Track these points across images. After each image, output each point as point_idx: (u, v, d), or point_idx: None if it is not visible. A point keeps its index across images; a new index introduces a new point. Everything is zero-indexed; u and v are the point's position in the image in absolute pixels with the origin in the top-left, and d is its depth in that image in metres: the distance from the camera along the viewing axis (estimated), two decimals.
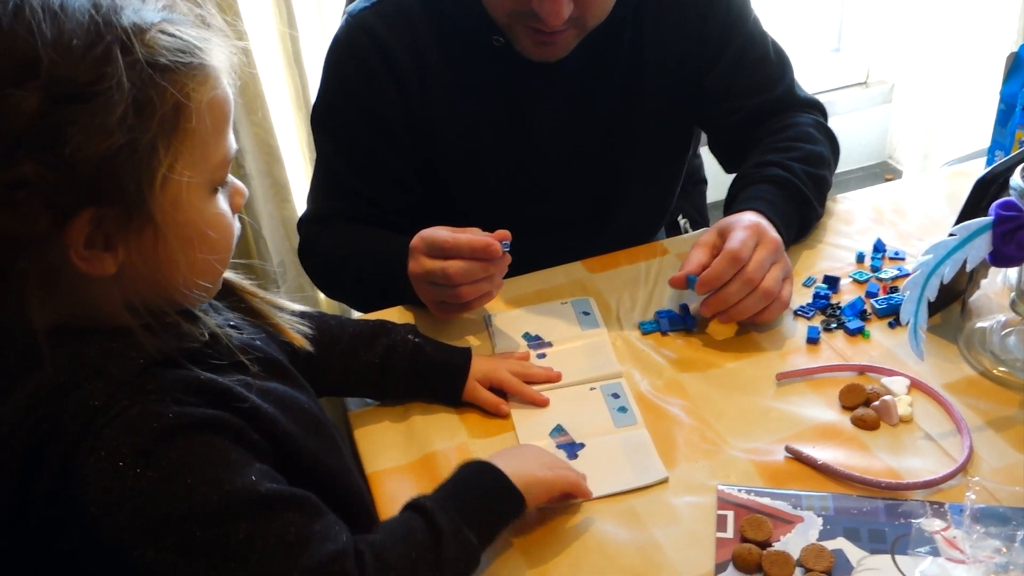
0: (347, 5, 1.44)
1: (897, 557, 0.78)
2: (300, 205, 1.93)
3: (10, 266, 0.61)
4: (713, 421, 0.94)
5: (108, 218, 0.62)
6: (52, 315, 0.64)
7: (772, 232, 1.03)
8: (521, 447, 0.89)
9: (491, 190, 1.25)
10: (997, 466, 0.87)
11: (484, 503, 0.77)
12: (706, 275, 1.00)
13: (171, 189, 0.64)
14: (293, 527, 0.65)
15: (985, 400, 0.94)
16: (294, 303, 0.87)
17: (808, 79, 2.71)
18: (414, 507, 0.75)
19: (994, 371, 0.97)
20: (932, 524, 0.80)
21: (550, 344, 1.05)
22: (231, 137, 0.70)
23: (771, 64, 1.29)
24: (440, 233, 1.00)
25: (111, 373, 0.63)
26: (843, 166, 3.05)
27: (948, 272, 0.88)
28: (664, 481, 0.87)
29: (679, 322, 1.07)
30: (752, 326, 1.05)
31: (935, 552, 0.78)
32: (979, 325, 1.02)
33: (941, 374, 0.98)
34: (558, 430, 0.94)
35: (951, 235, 0.89)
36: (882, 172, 2.97)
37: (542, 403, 0.97)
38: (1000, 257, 0.88)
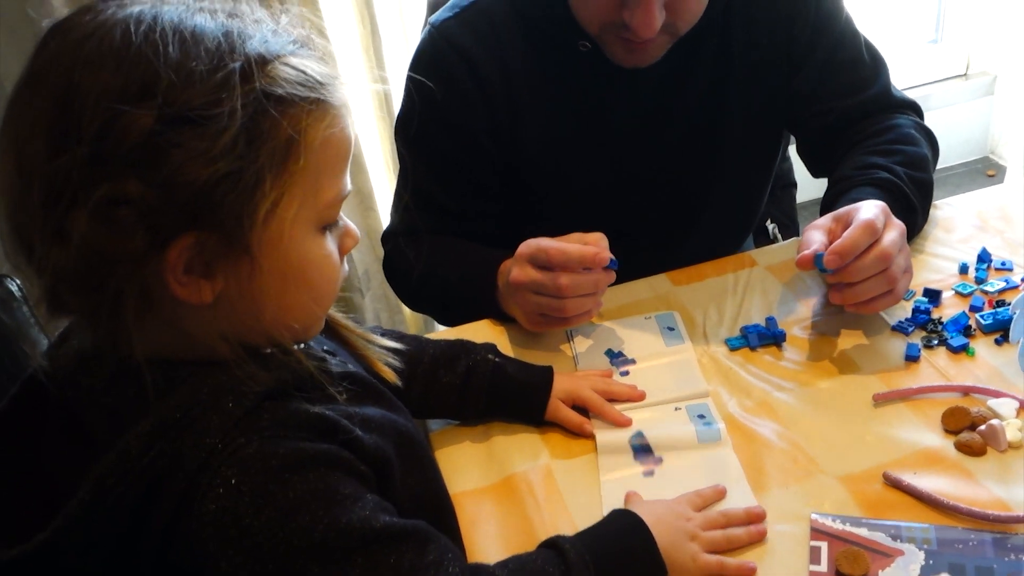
0: (428, 13, 1.44)
1: None
2: (384, 213, 1.94)
3: (105, 284, 0.61)
4: (805, 445, 0.90)
5: (209, 245, 0.61)
6: (153, 344, 0.64)
7: (897, 218, 0.98)
8: (680, 509, 0.82)
9: (575, 196, 1.23)
10: None
11: (625, 564, 0.75)
12: (840, 245, 0.92)
13: (274, 224, 0.63)
14: (407, 559, 0.65)
15: None
16: (386, 338, 0.87)
17: (905, 72, 2.63)
18: (553, 546, 0.75)
19: None
20: None
21: (633, 361, 1.03)
22: (346, 177, 0.68)
23: (864, 65, 1.23)
24: (549, 242, 0.98)
25: (226, 409, 0.63)
26: (943, 162, 2.94)
27: None
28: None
29: (768, 336, 1.03)
30: (848, 345, 1.01)
31: None
32: None
33: None
34: (638, 436, 0.92)
35: None
36: (984, 168, 2.84)
37: (624, 423, 0.94)
38: None
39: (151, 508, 0.62)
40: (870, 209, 0.96)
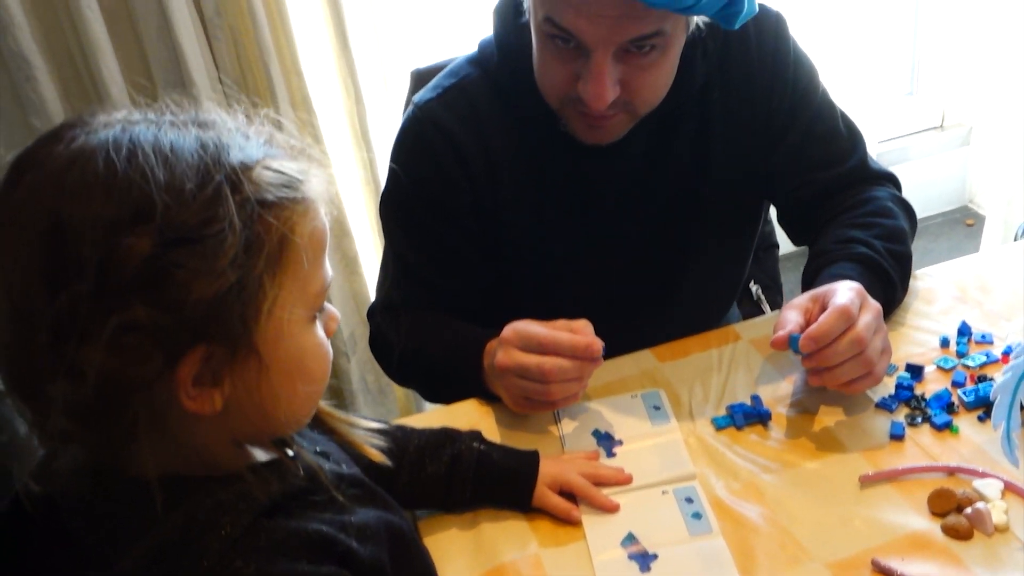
0: (411, 90, 1.46)
1: None
2: (369, 277, 1.95)
3: (122, 413, 0.60)
4: (793, 529, 0.90)
5: (216, 355, 0.61)
6: (163, 462, 0.63)
7: (873, 300, 1.00)
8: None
9: (558, 273, 1.24)
10: None
11: None
12: (815, 330, 0.94)
13: (274, 322, 0.64)
14: None
15: None
16: (367, 419, 0.87)
17: (883, 124, 2.67)
18: None
19: None
20: None
21: (620, 442, 1.03)
22: (327, 265, 0.70)
23: (841, 137, 1.26)
24: (537, 328, 0.99)
25: (223, 530, 0.63)
26: (922, 212, 2.98)
27: None
28: None
29: (754, 415, 1.04)
30: (833, 423, 1.01)
31: None
32: None
33: None
34: (630, 538, 0.91)
35: None
36: (962, 218, 2.88)
37: (612, 508, 0.94)
38: None
39: None
40: (845, 293, 0.97)
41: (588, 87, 1.02)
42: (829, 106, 1.26)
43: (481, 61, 1.18)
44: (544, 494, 0.95)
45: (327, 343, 0.71)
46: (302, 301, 0.66)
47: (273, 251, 0.62)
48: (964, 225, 2.84)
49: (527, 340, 0.99)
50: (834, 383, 0.97)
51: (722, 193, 1.23)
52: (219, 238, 0.59)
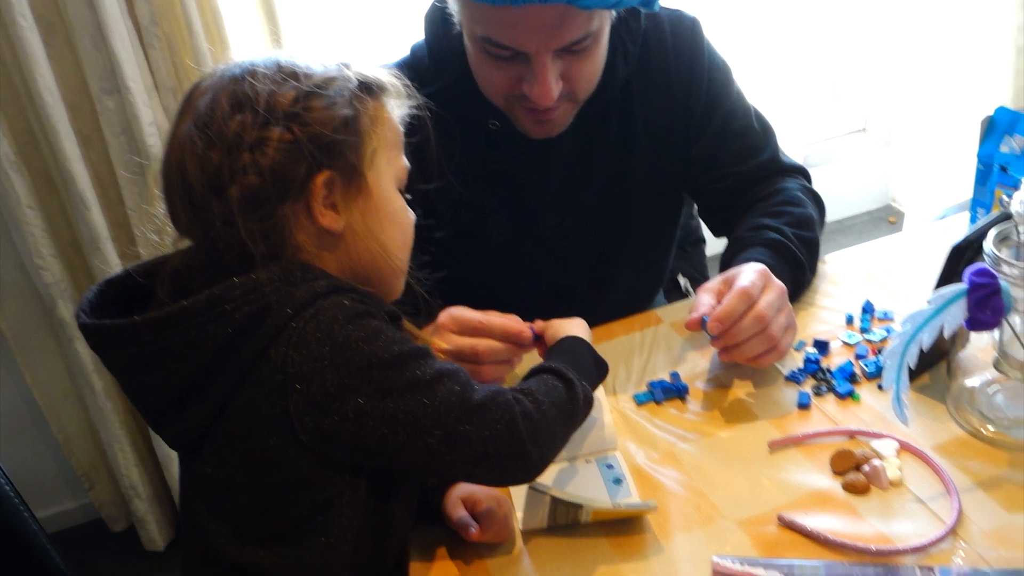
0: None
1: None
2: None
3: (279, 208, 0.78)
4: (707, 492, 0.96)
5: (338, 182, 0.80)
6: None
7: (777, 280, 1.07)
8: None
9: (493, 266, 1.29)
10: (986, 528, 0.88)
11: (590, 368, 0.96)
12: (719, 312, 1.02)
13: (375, 166, 0.83)
14: (463, 372, 0.81)
15: (974, 460, 0.96)
16: None
17: (809, 129, 2.78)
18: (548, 371, 0.90)
19: (982, 430, 0.99)
20: None
21: None
22: (405, 160, 0.89)
23: (755, 133, 1.33)
24: (471, 313, 1.05)
25: (332, 281, 0.80)
26: (848, 211, 3.10)
27: (926, 340, 0.91)
28: (652, 509, 0.93)
29: (672, 391, 1.10)
30: (745, 395, 1.08)
31: None
32: (967, 384, 1.04)
33: (931, 435, 1.00)
34: None
35: (929, 303, 0.92)
36: (886, 215, 3.00)
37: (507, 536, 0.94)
38: (975, 323, 0.91)
39: (252, 331, 0.75)
40: (748, 275, 1.05)
41: (534, 88, 1.09)
42: (743, 104, 1.34)
43: (413, 64, 1.23)
44: (453, 504, 0.95)
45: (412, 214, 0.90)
46: (393, 164, 0.87)
47: (370, 113, 0.83)
48: (887, 223, 2.97)
49: (462, 324, 1.04)
50: (742, 358, 1.04)
51: (646, 187, 1.30)
52: (339, 93, 0.82)
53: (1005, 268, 0.91)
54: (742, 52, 2.36)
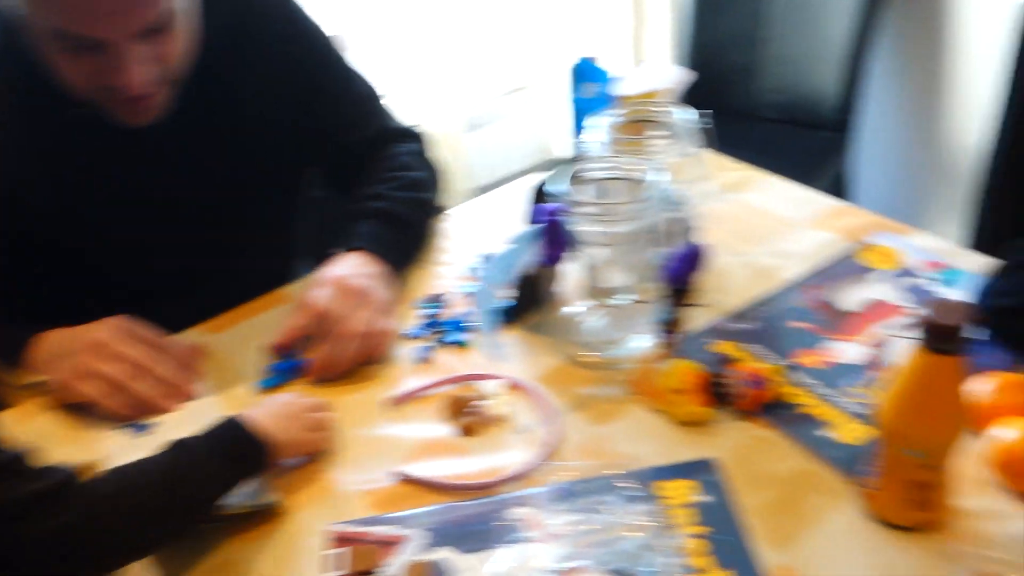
0: None
1: (493, 552, 0.84)
2: None
3: None
4: (326, 463, 0.97)
5: None
6: None
7: (355, 280, 1.10)
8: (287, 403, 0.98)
9: (113, 260, 1.22)
10: (581, 443, 0.96)
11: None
12: (317, 363, 1.07)
13: None
14: None
15: (573, 385, 1.03)
16: None
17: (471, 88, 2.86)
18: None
19: (578, 355, 1.07)
20: (519, 513, 0.87)
21: None
22: None
23: (363, 100, 1.34)
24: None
25: None
26: (514, 167, 3.20)
27: (504, 276, 0.96)
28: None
29: (296, 369, 1.10)
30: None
31: (526, 540, 0.85)
32: (564, 314, 1.11)
33: (537, 368, 1.06)
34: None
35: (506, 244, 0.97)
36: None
37: None
38: (550, 257, 0.98)
39: None
40: (317, 292, 1.10)
41: (123, 77, 1.03)
42: (346, 72, 1.34)
43: None
44: None
45: None
46: None
47: None
48: None
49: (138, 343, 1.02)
50: (345, 368, 1.08)
51: (259, 161, 1.27)
52: None
53: (571, 204, 0.98)
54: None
